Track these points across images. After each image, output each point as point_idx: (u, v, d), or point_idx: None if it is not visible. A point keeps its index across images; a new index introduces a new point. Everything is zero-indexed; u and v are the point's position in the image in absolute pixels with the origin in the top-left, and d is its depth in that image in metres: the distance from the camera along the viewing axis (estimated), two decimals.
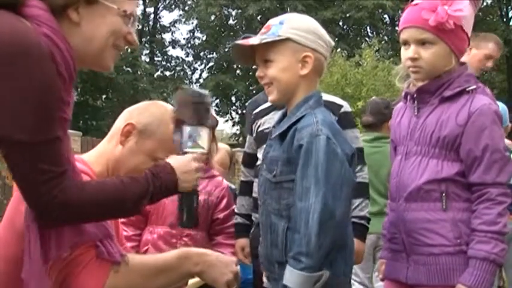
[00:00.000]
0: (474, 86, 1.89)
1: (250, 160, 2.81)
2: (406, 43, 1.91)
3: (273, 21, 1.83)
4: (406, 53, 1.91)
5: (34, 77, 1.19)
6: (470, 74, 1.94)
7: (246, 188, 2.82)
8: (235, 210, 2.82)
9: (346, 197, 1.69)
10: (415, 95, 1.95)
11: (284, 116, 1.85)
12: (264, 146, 1.94)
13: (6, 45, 1.17)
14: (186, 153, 1.59)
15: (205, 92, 1.66)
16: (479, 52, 3.80)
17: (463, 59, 1.97)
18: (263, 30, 1.82)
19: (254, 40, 1.78)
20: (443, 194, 1.84)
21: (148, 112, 1.72)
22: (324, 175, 1.64)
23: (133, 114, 1.73)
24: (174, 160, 1.55)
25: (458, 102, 1.87)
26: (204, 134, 1.63)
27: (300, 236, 1.64)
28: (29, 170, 1.23)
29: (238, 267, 1.78)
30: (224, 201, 2.72)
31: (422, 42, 1.87)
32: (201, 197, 2.61)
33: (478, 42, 3.79)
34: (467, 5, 1.88)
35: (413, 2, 1.93)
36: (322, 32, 1.82)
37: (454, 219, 1.83)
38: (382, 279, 2.12)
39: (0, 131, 1.19)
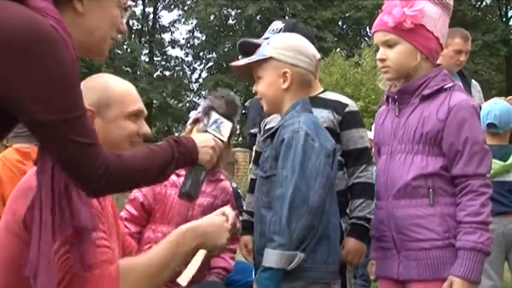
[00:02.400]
0: (451, 84, 1.99)
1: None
2: (377, 48, 2.06)
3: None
4: (377, 55, 2.06)
5: (57, 58, 1.21)
6: (446, 74, 2.04)
7: (254, 185, 2.81)
8: (243, 208, 2.84)
9: (320, 187, 1.86)
10: (395, 96, 2.05)
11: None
12: None
13: (27, 32, 1.18)
14: (207, 132, 1.74)
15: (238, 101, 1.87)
16: (448, 50, 3.87)
17: (438, 62, 2.09)
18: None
19: (242, 62, 2.07)
20: (430, 190, 1.91)
21: (89, 91, 1.71)
22: (299, 165, 1.84)
23: None
24: (195, 135, 1.66)
25: (437, 99, 1.96)
26: (227, 125, 1.81)
27: (275, 218, 1.83)
28: (70, 145, 1.26)
29: (232, 213, 1.84)
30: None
31: (387, 44, 2.00)
32: (207, 200, 2.62)
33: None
34: (430, 5, 1.98)
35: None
36: (305, 48, 2.06)
37: (442, 214, 1.90)
38: (374, 280, 2.15)
39: (33, 115, 1.21)
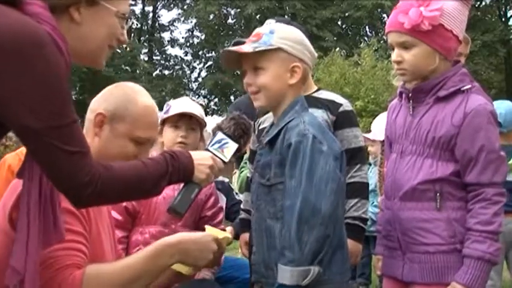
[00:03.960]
0: (469, 86, 1.89)
1: (255, 157, 2.82)
2: (392, 47, 1.95)
3: (262, 30, 1.89)
4: (392, 56, 1.96)
5: (49, 65, 1.21)
6: (465, 73, 1.93)
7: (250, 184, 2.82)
8: (241, 206, 2.85)
9: (332, 193, 1.72)
10: (410, 94, 1.96)
11: (272, 125, 1.92)
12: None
13: (20, 37, 1.18)
14: (208, 150, 1.69)
15: (251, 123, 1.79)
16: None
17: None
18: (252, 38, 1.88)
19: (247, 48, 1.84)
20: (438, 194, 1.85)
21: (113, 96, 1.71)
22: (306, 173, 1.71)
23: (99, 102, 1.73)
24: (193, 151, 1.61)
25: (453, 102, 1.87)
26: (231, 147, 1.74)
27: (285, 231, 1.71)
28: (57, 153, 1.25)
29: (227, 234, 1.82)
30: (212, 199, 2.73)
31: (403, 46, 1.89)
32: None
33: None
34: (448, 1, 1.87)
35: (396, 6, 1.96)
36: (308, 43, 1.92)
37: (449, 219, 1.85)
38: (380, 276, 2.13)
39: (22, 121, 1.21)
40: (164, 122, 2.63)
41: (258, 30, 1.91)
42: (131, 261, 1.60)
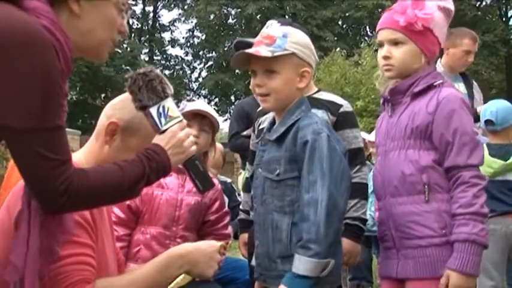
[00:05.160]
0: (441, 81, 2.01)
1: (255, 157, 2.81)
2: (381, 44, 2.05)
3: (275, 33, 1.90)
4: (380, 53, 2.06)
5: (37, 64, 1.18)
6: (438, 73, 2.07)
7: (250, 184, 2.81)
8: (240, 207, 2.84)
9: (345, 190, 1.81)
10: (388, 97, 2.07)
11: (273, 123, 1.96)
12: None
13: (11, 34, 1.16)
14: (164, 131, 1.53)
15: (148, 67, 1.59)
16: (457, 50, 3.86)
17: (443, 61, 2.11)
18: (266, 40, 1.88)
19: (265, 52, 1.84)
20: (426, 186, 1.90)
21: (129, 108, 1.61)
22: (328, 169, 1.76)
23: (115, 110, 1.70)
24: (158, 139, 1.51)
25: (427, 95, 1.98)
26: (170, 104, 1.54)
27: (309, 224, 1.74)
28: (34, 158, 1.22)
29: (220, 244, 1.79)
30: (217, 204, 2.72)
31: (394, 42, 2.01)
32: (194, 199, 2.60)
33: (453, 40, 3.85)
34: (437, 11, 2.00)
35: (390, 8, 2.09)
36: (312, 46, 1.97)
37: (439, 210, 1.89)
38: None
39: (2, 121, 1.18)
40: None
41: (268, 32, 1.93)
42: (140, 275, 1.61)
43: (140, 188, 1.45)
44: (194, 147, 1.55)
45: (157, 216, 2.53)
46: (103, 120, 1.69)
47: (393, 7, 2.04)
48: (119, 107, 1.70)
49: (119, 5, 1.40)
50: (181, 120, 1.55)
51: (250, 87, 1.98)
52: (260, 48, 1.86)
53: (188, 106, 2.64)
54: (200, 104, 2.70)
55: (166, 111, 1.54)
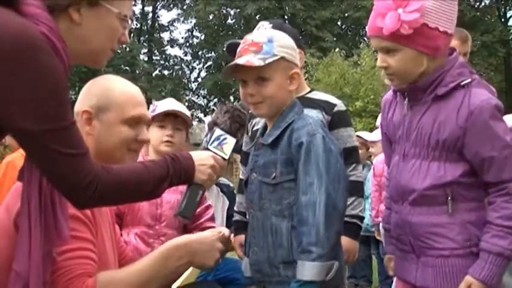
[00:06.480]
0: (469, 79, 1.77)
1: (248, 159, 2.81)
2: (376, 50, 1.85)
3: (259, 39, 1.86)
4: (377, 62, 1.85)
5: (44, 66, 1.20)
6: (463, 64, 1.81)
7: (244, 186, 2.81)
8: (234, 208, 2.83)
9: (344, 190, 1.78)
10: (405, 92, 1.86)
11: (265, 127, 1.94)
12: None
13: (14, 39, 1.17)
14: (208, 149, 1.66)
15: (245, 113, 1.73)
16: None
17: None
18: (252, 48, 1.84)
19: (256, 61, 1.79)
20: (449, 198, 1.77)
21: (91, 92, 1.71)
22: (324, 170, 1.73)
23: (81, 102, 1.73)
24: (195, 152, 1.60)
25: (454, 99, 1.75)
26: (230, 142, 1.72)
27: (308, 227, 1.71)
28: (54, 156, 1.24)
29: (226, 233, 1.81)
30: None
31: (386, 50, 1.78)
32: (174, 197, 2.59)
33: None
34: None
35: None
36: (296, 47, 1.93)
37: (463, 221, 1.77)
38: (392, 276, 2.09)
39: (20, 124, 1.20)
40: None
41: (252, 38, 1.88)
42: (140, 267, 1.62)
43: (164, 188, 1.49)
44: (210, 181, 1.63)
45: (139, 216, 2.53)
46: (76, 118, 1.71)
47: (375, 6, 1.80)
48: (82, 99, 1.73)
49: (120, 16, 1.40)
50: (224, 159, 1.70)
51: (241, 96, 1.93)
52: (249, 57, 1.81)
53: (159, 107, 2.66)
54: (171, 104, 2.69)
55: (222, 142, 1.72)
